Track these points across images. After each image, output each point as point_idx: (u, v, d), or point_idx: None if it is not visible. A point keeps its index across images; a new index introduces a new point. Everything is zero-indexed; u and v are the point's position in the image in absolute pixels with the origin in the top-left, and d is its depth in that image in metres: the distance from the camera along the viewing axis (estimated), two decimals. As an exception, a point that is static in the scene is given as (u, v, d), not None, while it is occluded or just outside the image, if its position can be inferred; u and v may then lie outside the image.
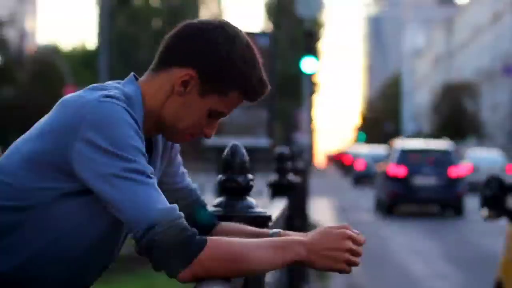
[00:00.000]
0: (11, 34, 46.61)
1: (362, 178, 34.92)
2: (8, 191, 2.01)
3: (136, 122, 1.99)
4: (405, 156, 21.02)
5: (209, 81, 2.07)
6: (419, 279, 10.66)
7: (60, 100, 2.07)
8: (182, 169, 2.29)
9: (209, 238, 1.93)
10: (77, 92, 2.05)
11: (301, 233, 2.07)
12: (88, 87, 2.06)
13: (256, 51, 2.12)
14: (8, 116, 39.97)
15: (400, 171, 20.75)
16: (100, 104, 1.97)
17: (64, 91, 38.68)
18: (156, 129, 2.12)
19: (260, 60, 2.13)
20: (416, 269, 11.42)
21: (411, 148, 21.84)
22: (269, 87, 2.15)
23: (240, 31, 2.12)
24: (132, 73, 2.15)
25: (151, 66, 2.14)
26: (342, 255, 1.99)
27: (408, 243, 14.66)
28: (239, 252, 1.93)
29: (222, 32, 2.09)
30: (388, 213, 20.60)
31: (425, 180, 20.53)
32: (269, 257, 1.95)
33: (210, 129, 2.14)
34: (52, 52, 48.03)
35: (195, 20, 2.13)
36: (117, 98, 2.00)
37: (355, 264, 2.00)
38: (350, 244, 2.00)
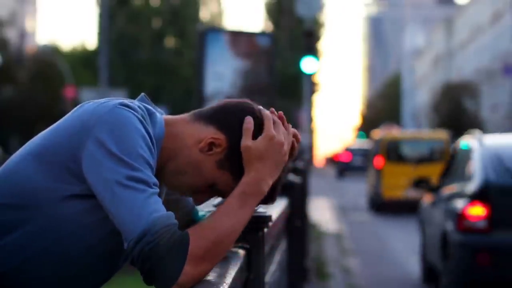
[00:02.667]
0: (11, 34, 46.62)
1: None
2: (13, 189, 2.02)
3: (150, 135, 2.01)
4: (349, 150, 48.10)
5: (232, 158, 2.08)
6: (419, 279, 10.66)
7: (78, 106, 2.09)
8: None
9: (191, 241, 1.93)
10: (96, 100, 2.08)
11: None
12: (109, 98, 2.09)
13: (287, 165, 2.13)
14: (8, 116, 39.97)
15: (346, 157, 47.42)
16: (116, 110, 2.00)
17: (64, 91, 38.67)
18: (164, 162, 2.11)
19: (285, 174, 2.15)
20: (415, 269, 11.42)
21: (352, 147, 49.25)
22: (276, 200, 2.18)
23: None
24: (142, 94, 2.17)
25: (196, 112, 2.16)
26: (283, 155, 2.07)
27: (408, 243, 14.67)
28: (216, 234, 1.96)
29: (271, 111, 2.13)
30: (341, 176, 45.78)
31: (359, 161, 45.49)
32: (241, 216, 2.01)
33: (201, 198, 2.14)
34: (52, 52, 48.02)
35: (256, 105, 2.14)
36: (134, 109, 2.02)
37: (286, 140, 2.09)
38: (279, 137, 2.07)
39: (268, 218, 2.31)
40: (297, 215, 6.17)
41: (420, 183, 10.20)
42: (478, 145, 8.47)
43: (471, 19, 71.06)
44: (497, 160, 7.98)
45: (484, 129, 56.88)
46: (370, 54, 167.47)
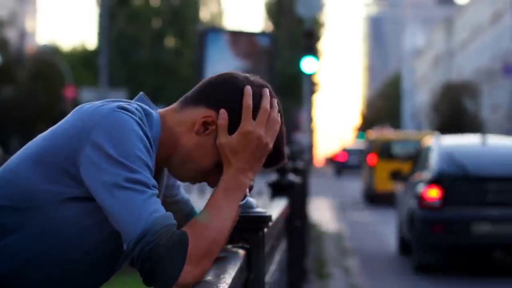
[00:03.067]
0: (11, 34, 46.63)
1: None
2: (12, 191, 2.02)
3: (148, 137, 2.01)
4: (345, 151, 52.62)
5: (230, 131, 2.08)
6: (419, 279, 10.67)
7: (76, 108, 2.09)
8: (178, 182, 2.31)
9: (189, 240, 1.93)
10: (95, 102, 2.08)
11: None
12: (107, 99, 2.09)
13: (283, 124, 2.12)
14: (8, 116, 39.97)
15: (343, 157, 51.67)
16: (114, 113, 1.99)
17: (64, 91, 38.67)
18: (165, 158, 2.11)
19: (285, 134, 2.14)
20: (415, 269, 11.42)
21: (348, 148, 53.85)
22: (286, 160, 2.18)
23: (275, 98, 2.13)
24: (141, 93, 2.17)
25: (182, 99, 2.15)
26: (262, 147, 2.06)
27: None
28: (212, 232, 1.97)
29: (261, 92, 2.10)
30: (338, 175, 49.11)
31: (354, 161, 47.93)
32: (230, 212, 2.02)
33: (214, 179, 2.13)
34: (52, 52, 48.03)
35: (241, 74, 2.14)
36: (132, 112, 2.02)
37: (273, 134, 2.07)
38: (257, 130, 2.05)
39: (268, 218, 2.31)
40: (297, 215, 6.17)
41: (395, 175, 12.95)
42: (436, 144, 11.26)
43: (471, 19, 71.05)
44: (448, 156, 10.74)
45: (484, 129, 56.91)
46: (370, 54, 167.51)
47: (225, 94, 2.09)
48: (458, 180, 10.37)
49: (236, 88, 2.10)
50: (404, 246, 12.36)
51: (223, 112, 2.07)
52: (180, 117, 2.11)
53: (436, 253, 10.62)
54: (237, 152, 2.05)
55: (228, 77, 2.13)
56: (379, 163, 23.63)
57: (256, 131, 2.06)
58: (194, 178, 2.15)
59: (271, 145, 2.08)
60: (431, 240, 10.43)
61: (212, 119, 2.08)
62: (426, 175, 10.67)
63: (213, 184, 2.15)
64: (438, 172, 10.47)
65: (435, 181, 10.36)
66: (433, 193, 10.29)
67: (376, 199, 23.80)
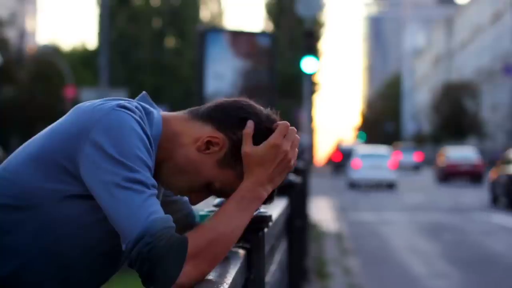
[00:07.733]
0: (11, 34, 46.59)
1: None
2: (12, 189, 2.01)
3: (148, 136, 2.00)
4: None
5: (236, 156, 2.07)
6: (419, 279, 10.66)
7: (75, 106, 2.08)
8: None
9: (189, 241, 1.93)
10: (94, 100, 2.07)
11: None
12: (106, 98, 2.08)
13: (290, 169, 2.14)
14: (8, 116, 39.96)
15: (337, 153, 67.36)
16: (114, 112, 1.98)
17: (64, 91, 38.66)
18: (160, 160, 2.10)
19: (287, 175, 2.15)
20: (415, 269, 11.43)
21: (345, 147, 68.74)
22: (272, 203, 2.18)
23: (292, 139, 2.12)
24: (144, 92, 2.16)
25: (192, 109, 2.14)
26: (286, 163, 2.07)
27: (407, 243, 14.68)
28: (213, 234, 1.96)
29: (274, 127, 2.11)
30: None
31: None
32: (239, 220, 2.02)
33: (197, 198, 2.13)
34: (52, 52, 48.01)
35: (256, 105, 2.13)
36: (132, 111, 2.01)
37: (295, 151, 2.10)
38: (285, 146, 2.06)
39: (268, 218, 2.31)
40: (297, 215, 6.17)
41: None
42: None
43: (471, 19, 71.04)
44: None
45: (484, 129, 56.92)
46: (370, 54, 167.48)
47: (235, 120, 2.07)
48: None
49: (260, 122, 2.08)
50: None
51: (250, 122, 2.06)
52: (186, 128, 2.10)
53: None
54: (263, 163, 2.05)
55: (242, 104, 2.11)
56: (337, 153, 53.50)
57: (284, 146, 2.06)
58: (179, 190, 2.13)
59: (293, 163, 2.09)
60: None
61: (216, 141, 2.06)
62: None
63: (194, 202, 2.13)
64: None
65: None
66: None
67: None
